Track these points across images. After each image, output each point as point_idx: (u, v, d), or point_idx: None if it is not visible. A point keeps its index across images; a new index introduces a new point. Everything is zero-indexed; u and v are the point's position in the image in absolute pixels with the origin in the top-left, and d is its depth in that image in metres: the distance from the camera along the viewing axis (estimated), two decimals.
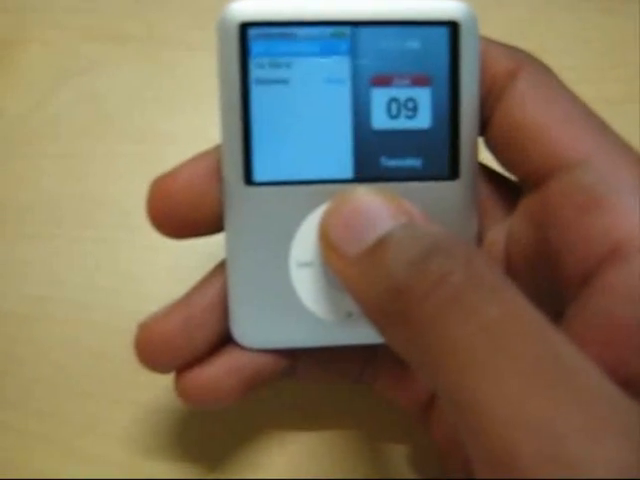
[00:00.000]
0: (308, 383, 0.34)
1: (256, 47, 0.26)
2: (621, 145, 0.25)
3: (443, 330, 0.20)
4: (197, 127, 0.39)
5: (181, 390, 0.28)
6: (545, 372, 0.18)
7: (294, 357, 0.29)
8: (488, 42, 0.27)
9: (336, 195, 0.25)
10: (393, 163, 0.27)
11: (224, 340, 0.28)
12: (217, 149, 0.27)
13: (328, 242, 0.24)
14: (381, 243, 0.23)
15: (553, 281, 0.25)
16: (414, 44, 0.26)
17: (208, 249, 0.30)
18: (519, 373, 0.18)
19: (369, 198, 0.24)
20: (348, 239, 0.23)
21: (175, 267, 0.37)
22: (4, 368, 0.35)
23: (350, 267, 0.23)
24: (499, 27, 0.38)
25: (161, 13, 0.42)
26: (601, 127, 0.25)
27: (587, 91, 0.27)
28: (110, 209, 0.38)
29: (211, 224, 0.27)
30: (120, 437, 0.34)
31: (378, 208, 0.24)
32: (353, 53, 0.26)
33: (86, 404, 0.35)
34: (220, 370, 0.28)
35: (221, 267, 0.28)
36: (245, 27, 0.26)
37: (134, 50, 0.41)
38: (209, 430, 0.35)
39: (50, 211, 0.38)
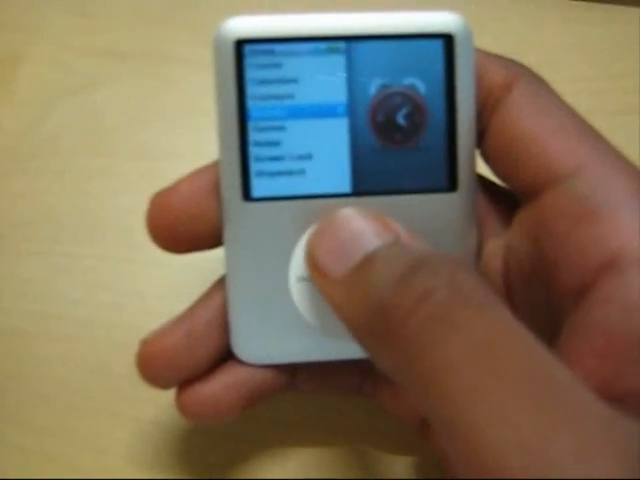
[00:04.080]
0: (308, 396, 0.34)
1: (252, 63, 0.26)
2: (615, 155, 0.25)
3: (428, 348, 0.20)
4: (197, 143, 0.39)
5: (182, 405, 0.28)
6: (534, 391, 0.18)
7: (293, 371, 0.29)
8: (483, 54, 0.27)
9: (322, 217, 0.25)
10: (391, 176, 0.27)
11: (225, 355, 0.28)
12: (216, 164, 0.27)
13: (314, 263, 0.24)
14: (366, 262, 0.23)
15: (550, 293, 0.25)
16: (409, 57, 0.26)
17: (210, 265, 0.30)
18: (507, 394, 0.18)
19: (354, 218, 0.24)
20: (334, 260, 0.23)
21: (176, 283, 0.37)
22: (4, 384, 0.35)
23: (336, 287, 0.23)
24: (498, 40, 0.38)
25: (159, 29, 0.42)
26: (595, 138, 0.25)
27: (587, 102, 0.27)
28: (110, 225, 0.38)
29: (210, 239, 0.27)
30: (122, 453, 0.34)
31: (363, 227, 0.24)
32: (348, 68, 0.26)
33: (87, 420, 0.35)
34: (220, 386, 0.28)
35: (221, 282, 0.28)
36: (241, 44, 0.26)
37: (133, 66, 0.41)
38: (211, 446, 0.34)
39: (50, 227, 0.38)
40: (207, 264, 0.32)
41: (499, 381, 0.18)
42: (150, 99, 0.41)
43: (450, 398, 0.19)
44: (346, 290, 0.23)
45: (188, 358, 0.27)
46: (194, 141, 0.39)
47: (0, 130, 0.40)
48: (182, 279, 0.37)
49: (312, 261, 0.24)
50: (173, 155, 0.39)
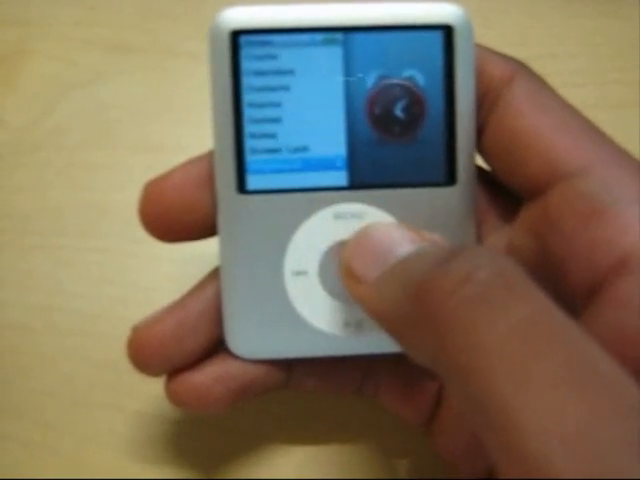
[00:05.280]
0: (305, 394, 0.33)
1: (248, 54, 0.26)
2: (620, 153, 0.24)
3: (471, 330, 0.19)
4: (200, 136, 0.38)
5: (170, 393, 0.28)
6: (581, 378, 0.17)
7: (289, 368, 0.29)
8: (482, 49, 0.26)
9: (355, 231, 0.25)
10: (388, 169, 0.26)
11: (217, 346, 0.28)
12: (210, 154, 0.27)
13: (349, 272, 0.24)
14: (403, 260, 0.22)
15: (557, 294, 0.24)
16: (408, 49, 0.26)
17: (213, 259, 0.29)
18: (554, 379, 0.17)
19: (389, 228, 0.24)
20: (369, 265, 0.23)
21: (180, 277, 0.37)
22: (8, 379, 0.35)
23: (370, 288, 0.23)
24: (502, 33, 0.38)
25: (164, 22, 0.42)
26: (599, 135, 0.25)
27: (591, 95, 0.27)
28: (114, 219, 0.38)
29: (203, 229, 0.27)
30: (125, 448, 0.34)
31: (399, 235, 0.23)
32: (346, 59, 0.26)
33: (91, 414, 0.35)
34: (209, 377, 0.28)
35: (215, 273, 0.28)
36: (237, 34, 0.25)
37: (137, 60, 0.41)
38: (214, 441, 0.34)
39: (54, 221, 0.38)
40: (212, 258, 0.32)
41: (544, 366, 0.17)
42: (156, 93, 0.40)
43: (492, 381, 0.18)
44: (381, 287, 0.22)
45: (178, 347, 0.27)
46: (200, 134, 0.38)
47: (5, 124, 0.40)
48: (187, 273, 0.36)
49: (347, 270, 0.24)
50: (178, 148, 0.39)
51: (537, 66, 0.27)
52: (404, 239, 0.23)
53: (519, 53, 0.27)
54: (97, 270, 0.37)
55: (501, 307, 0.19)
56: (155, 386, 0.29)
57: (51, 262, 0.37)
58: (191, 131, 0.39)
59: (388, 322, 0.22)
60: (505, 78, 0.26)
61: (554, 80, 0.27)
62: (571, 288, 0.24)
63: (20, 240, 0.38)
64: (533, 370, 0.17)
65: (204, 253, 0.30)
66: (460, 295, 0.19)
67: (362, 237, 0.24)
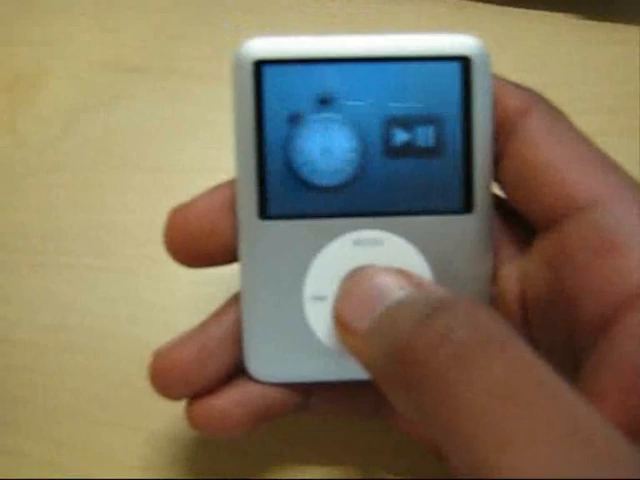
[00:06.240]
0: (322, 417, 0.34)
1: (271, 84, 0.26)
2: (635, 187, 0.25)
3: (449, 391, 0.19)
4: (215, 159, 0.39)
5: (191, 417, 0.28)
6: (562, 436, 0.18)
7: (307, 391, 0.29)
8: (498, 79, 0.27)
9: (345, 277, 0.26)
10: (406, 197, 0.27)
11: (238, 370, 0.28)
12: (233, 182, 0.27)
13: (341, 323, 0.24)
14: (388, 311, 0.23)
15: (570, 325, 0.25)
16: (425, 80, 0.26)
17: (229, 279, 0.30)
18: (535, 438, 0.18)
19: (378, 275, 0.24)
20: (359, 316, 0.23)
21: (192, 296, 0.37)
22: (21, 397, 0.36)
23: (360, 340, 0.23)
24: (511, 59, 0.38)
25: (180, 46, 0.42)
26: (614, 168, 0.25)
27: (601, 121, 0.27)
28: (127, 239, 0.38)
29: (226, 255, 0.28)
30: (137, 467, 0.34)
31: (387, 282, 0.24)
32: (365, 89, 0.26)
33: (104, 433, 0.35)
34: (229, 401, 0.28)
35: (235, 298, 0.28)
36: (260, 65, 0.26)
37: (153, 82, 0.41)
38: (228, 461, 0.34)
39: (68, 241, 0.38)
40: (226, 278, 0.32)
41: (524, 425, 0.18)
42: (170, 115, 0.41)
43: (474, 444, 0.18)
44: (368, 340, 0.23)
45: (199, 372, 0.28)
46: (213, 157, 0.39)
47: (21, 144, 0.40)
48: (201, 293, 0.37)
49: (340, 321, 0.24)
50: (192, 171, 0.39)
51: (551, 93, 0.27)
52: (393, 285, 0.24)
53: (533, 79, 0.27)
54: (110, 289, 0.37)
55: (479, 366, 0.19)
56: (169, 406, 0.29)
57: (64, 281, 0.38)
58: (206, 154, 0.40)
59: (377, 377, 0.23)
60: (521, 109, 0.26)
61: (567, 108, 0.27)
62: (584, 320, 0.24)
63: (34, 259, 0.38)
64: (513, 430, 0.18)
65: (218, 273, 0.30)
66: (438, 356, 0.20)
67: (351, 286, 0.25)
